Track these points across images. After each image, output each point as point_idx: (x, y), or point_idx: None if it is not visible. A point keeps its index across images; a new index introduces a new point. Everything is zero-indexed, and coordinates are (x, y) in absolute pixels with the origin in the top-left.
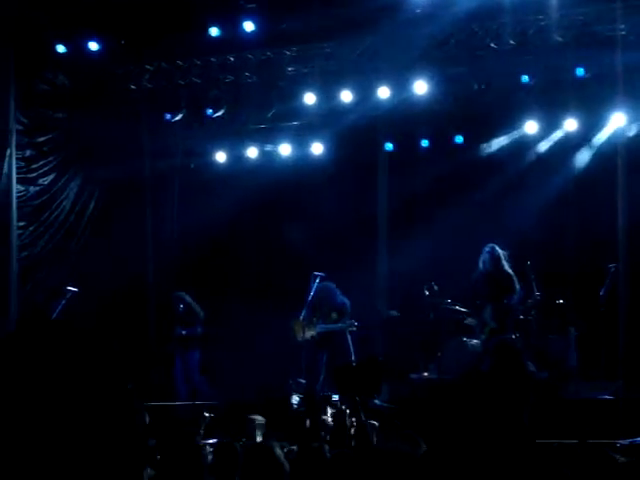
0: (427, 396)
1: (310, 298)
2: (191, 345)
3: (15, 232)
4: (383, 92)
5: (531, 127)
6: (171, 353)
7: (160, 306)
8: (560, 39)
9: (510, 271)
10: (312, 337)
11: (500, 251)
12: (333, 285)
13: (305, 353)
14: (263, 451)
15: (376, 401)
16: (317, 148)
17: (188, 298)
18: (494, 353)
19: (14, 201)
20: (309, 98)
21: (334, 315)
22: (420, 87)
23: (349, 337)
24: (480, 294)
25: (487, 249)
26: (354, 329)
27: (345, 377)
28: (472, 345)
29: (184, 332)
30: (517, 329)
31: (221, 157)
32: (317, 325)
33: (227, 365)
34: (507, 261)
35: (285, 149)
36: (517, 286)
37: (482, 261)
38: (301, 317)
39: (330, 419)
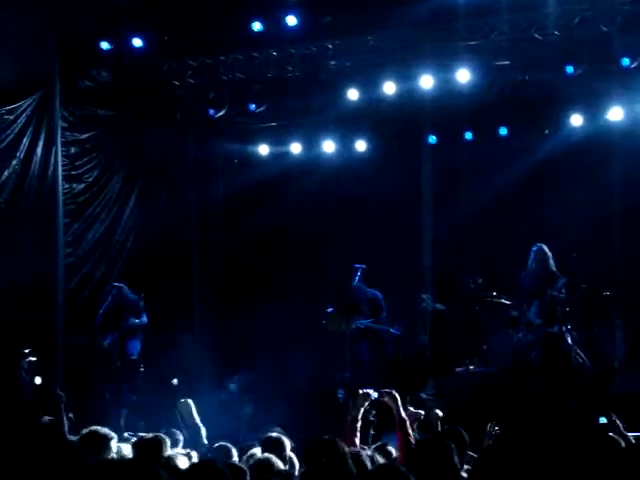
0: (473, 389)
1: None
2: (134, 334)
3: (61, 229)
4: (426, 81)
5: (576, 119)
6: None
7: (205, 300)
8: (605, 29)
9: (554, 269)
10: (347, 330)
11: (547, 251)
12: (360, 284)
13: (348, 346)
14: (330, 446)
15: (422, 395)
16: (359, 141)
17: (125, 289)
18: (541, 345)
19: (60, 198)
20: (352, 93)
21: (365, 309)
22: (463, 76)
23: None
24: (526, 292)
25: (534, 248)
26: (397, 333)
27: (391, 371)
28: (518, 338)
29: (137, 321)
30: (564, 322)
31: (264, 150)
32: (357, 321)
33: (274, 359)
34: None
35: (329, 145)
36: (560, 280)
37: (530, 260)
38: (333, 310)
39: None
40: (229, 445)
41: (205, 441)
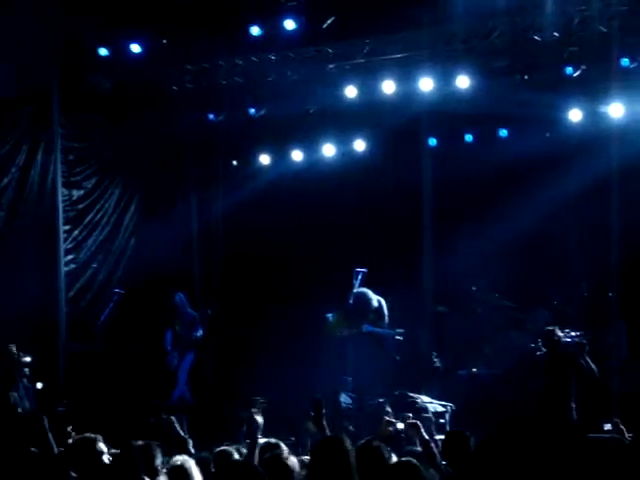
0: (475, 391)
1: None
2: (190, 346)
3: (62, 236)
4: (426, 84)
5: (575, 117)
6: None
7: (206, 307)
8: (604, 29)
9: None
10: (353, 334)
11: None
12: (365, 291)
13: (350, 351)
14: (333, 443)
15: (425, 397)
16: (360, 145)
17: (185, 300)
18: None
19: (60, 205)
20: (350, 91)
21: (371, 316)
22: (462, 82)
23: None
24: None
25: None
26: (400, 338)
27: (393, 375)
28: (520, 340)
29: (196, 335)
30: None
31: (265, 159)
32: (361, 326)
33: (271, 365)
34: None
35: (329, 149)
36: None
37: None
38: (334, 315)
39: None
40: (231, 449)
41: (192, 450)
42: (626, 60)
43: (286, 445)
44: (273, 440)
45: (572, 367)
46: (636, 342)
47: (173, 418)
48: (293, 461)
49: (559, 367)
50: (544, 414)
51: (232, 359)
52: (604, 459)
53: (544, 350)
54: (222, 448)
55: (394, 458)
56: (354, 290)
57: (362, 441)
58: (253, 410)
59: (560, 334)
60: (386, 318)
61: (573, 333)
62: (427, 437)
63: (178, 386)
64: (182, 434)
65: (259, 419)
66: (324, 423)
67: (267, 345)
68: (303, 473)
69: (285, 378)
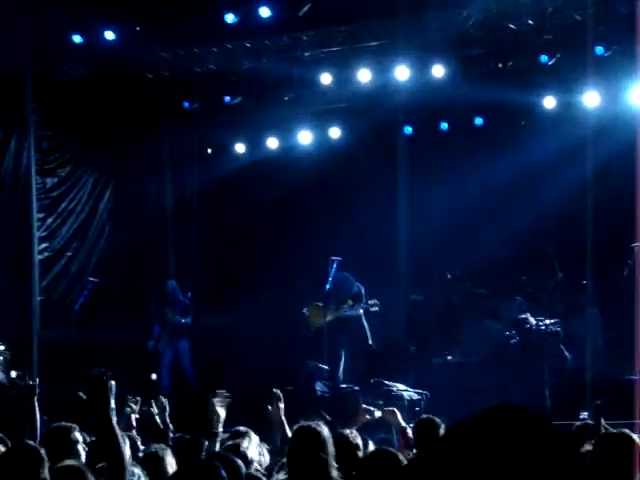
0: (450, 380)
1: (328, 287)
2: (183, 334)
3: (36, 224)
4: (402, 73)
5: (550, 103)
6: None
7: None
8: (578, 18)
9: None
10: (329, 322)
11: None
12: (347, 275)
13: (325, 339)
14: (310, 432)
15: (400, 385)
16: (335, 132)
17: (177, 287)
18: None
19: (34, 193)
20: (325, 78)
21: (349, 302)
22: (438, 71)
23: (365, 322)
24: None
25: None
26: (377, 309)
27: (369, 363)
28: (495, 328)
29: (185, 321)
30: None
31: (240, 148)
32: (338, 311)
33: (244, 354)
34: None
35: (305, 136)
36: None
37: None
38: (309, 309)
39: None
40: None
41: (171, 443)
42: (600, 48)
43: (257, 434)
44: (243, 428)
45: (546, 355)
46: (611, 330)
47: (153, 410)
48: (252, 451)
49: (532, 355)
50: (517, 402)
51: (207, 344)
52: (576, 446)
53: (518, 338)
54: (189, 437)
55: (371, 446)
56: (330, 277)
57: (339, 430)
58: (216, 401)
59: (533, 322)
60: (363, 303)
61: (547, 321)
62: (404, 424)
63: (186, 375)
64: (161, 426)
65: (221, 412)
66: (282, 418)
67: (241, 331)
68: (282, 461)
69: (260, 365)
